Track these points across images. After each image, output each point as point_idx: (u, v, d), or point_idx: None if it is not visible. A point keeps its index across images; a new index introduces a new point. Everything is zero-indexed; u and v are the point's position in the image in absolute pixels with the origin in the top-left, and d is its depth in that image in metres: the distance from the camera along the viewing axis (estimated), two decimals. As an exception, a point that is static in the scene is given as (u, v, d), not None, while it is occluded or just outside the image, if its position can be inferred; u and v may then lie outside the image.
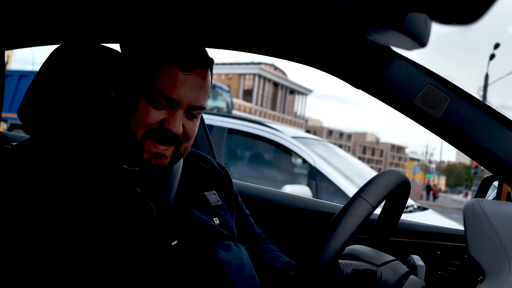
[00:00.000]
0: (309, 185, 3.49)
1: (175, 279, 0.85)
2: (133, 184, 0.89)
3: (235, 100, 42.89)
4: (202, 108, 0.90)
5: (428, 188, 38.53)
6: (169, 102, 0.86)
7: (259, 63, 55.63)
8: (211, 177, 1.08)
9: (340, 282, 0.75)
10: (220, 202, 1.03)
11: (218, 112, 9.92)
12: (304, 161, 3.74)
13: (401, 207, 0.87)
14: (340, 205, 1.48)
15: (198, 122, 0.94)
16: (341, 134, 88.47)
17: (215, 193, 1.04)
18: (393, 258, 0.82)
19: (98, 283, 0.78)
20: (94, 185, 0.85)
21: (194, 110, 0.89)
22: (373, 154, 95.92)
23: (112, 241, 0.81)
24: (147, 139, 0.87)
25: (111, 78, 0.93)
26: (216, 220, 0.97)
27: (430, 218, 3.37)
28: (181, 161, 1.02)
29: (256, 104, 55.15)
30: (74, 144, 0.91)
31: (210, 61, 0.92)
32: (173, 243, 0.87)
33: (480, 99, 1.46)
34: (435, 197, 37.84)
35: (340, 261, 0.75)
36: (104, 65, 1.00)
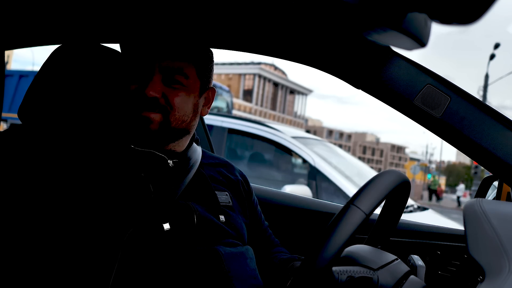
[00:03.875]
0: (309, 185, 3.48)
1: (171, 267, 0.84)
2: (139, 169, 0.91)
3: (235, 100, 42.85)
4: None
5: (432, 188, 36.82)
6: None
7: (259, 63, 55.62)
8: (228, 181, 1.09)
9: None
10: (231, 203, 1.04)
11: (218, 112, 9.91)
12: (304, 161, 3.73)
13: (401, 207, 0.87)
14: (340, 205, 1.48)
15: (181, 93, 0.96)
16: (341, 134, 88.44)
17: (227, 194, 1.04)
18: (395, 257, 0.81)
19: (95, 264, 0.79)
20: (98, 165, 0.87)
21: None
22: (373, 154, 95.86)
23: (107, 217, 0.83)
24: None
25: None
26: (222, 217, 0.97)
27: (430, 218, 3.37)
28: (199, 159, 1.04)
29: (256, 104, 55.16)
30: (74, 143, 0.92)
31: None
32: (166, 228, 0.87)
33: (480, 99, 1.46)
34: (439, 198, 34.51)
35: (334, 268, 0.73)
36: (104, 64, 1.00)
